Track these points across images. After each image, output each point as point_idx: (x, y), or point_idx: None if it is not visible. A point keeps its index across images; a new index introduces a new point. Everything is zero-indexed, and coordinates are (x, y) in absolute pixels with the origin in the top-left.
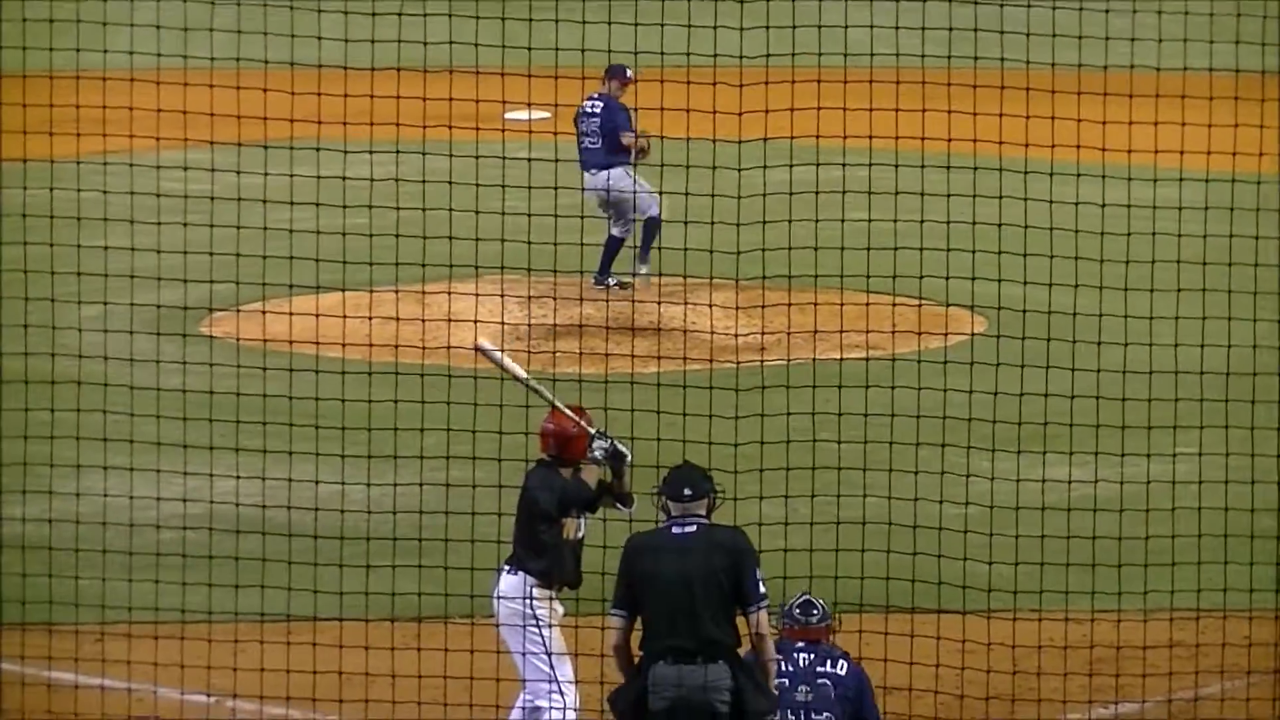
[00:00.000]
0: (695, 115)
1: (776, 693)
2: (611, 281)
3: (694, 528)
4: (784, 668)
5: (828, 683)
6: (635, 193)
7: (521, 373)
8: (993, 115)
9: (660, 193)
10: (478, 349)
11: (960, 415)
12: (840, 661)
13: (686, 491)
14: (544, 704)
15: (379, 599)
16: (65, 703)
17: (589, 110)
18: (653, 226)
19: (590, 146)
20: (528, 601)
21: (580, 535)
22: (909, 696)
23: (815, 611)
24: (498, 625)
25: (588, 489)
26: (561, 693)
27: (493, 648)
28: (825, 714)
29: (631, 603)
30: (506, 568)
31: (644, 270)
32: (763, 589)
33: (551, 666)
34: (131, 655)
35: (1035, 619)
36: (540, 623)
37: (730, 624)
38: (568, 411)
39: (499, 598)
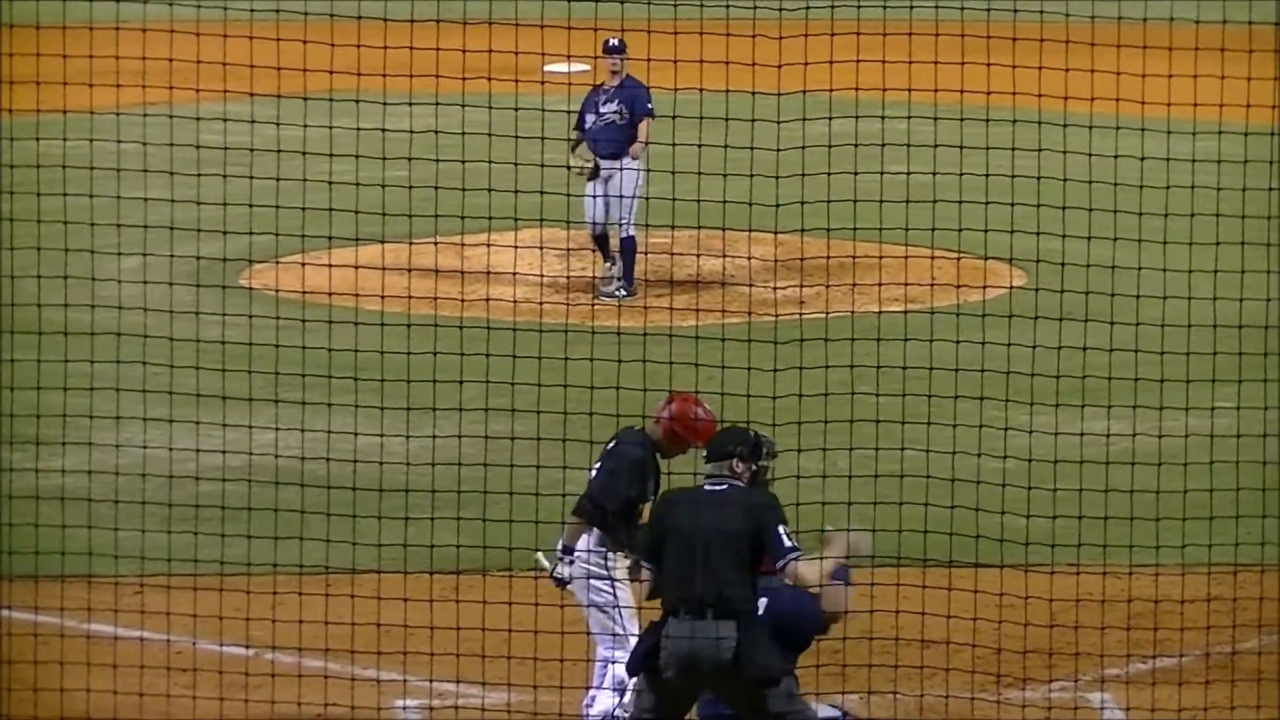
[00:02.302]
0: (734, 68)
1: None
2: (610, 291)
3: (725, 486)
4: None
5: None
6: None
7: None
8: (1032, 68)
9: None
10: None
11: (999, 369)
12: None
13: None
14: (608, 655)
15: (417, 551)
16: (104, 654)
17: None
18: (626, 246)
19: None
20: (595, 559)
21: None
22: (946, 650)
23: None
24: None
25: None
26: (627, 649)
27: (531, 600)
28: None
29: (658, 554)
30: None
31: (608, 289)
32: (789, 542)
33: (620, 620)
34: (170, 607)
35: (1073, 573)
36: (610, 578)
37: (745, 584)
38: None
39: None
